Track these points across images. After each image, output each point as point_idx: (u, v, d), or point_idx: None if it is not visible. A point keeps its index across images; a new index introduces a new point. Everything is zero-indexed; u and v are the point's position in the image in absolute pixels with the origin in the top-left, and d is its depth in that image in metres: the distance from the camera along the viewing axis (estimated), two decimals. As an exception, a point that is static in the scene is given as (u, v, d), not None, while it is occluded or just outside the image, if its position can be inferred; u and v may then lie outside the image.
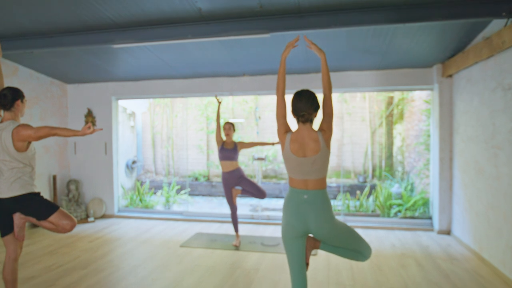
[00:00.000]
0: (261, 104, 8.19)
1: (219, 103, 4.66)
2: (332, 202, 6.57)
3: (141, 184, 7.73)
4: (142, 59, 4.95)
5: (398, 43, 4.14)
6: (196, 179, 8.61)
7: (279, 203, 7.68)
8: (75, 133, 2.66)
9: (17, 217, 2.83)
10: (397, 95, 7.61)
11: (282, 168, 8.30)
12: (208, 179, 8.67)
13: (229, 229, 5.29)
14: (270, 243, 4.61)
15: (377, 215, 5.61)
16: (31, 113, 5.45)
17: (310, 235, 2.30)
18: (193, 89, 5.71)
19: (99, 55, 4.80)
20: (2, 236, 2.80)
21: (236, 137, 8.31)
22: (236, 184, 4.55)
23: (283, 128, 2.30)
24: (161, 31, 3.82)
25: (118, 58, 4.95)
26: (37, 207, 2.77)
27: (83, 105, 6.15)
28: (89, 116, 6.11)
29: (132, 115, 8.44)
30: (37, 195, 2.83)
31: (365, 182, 7.81)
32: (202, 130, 8.48)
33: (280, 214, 6.64)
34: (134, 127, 8.51)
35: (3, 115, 2.83)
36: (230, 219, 5.49)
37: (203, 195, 8.31)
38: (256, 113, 6.90)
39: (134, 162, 8.23)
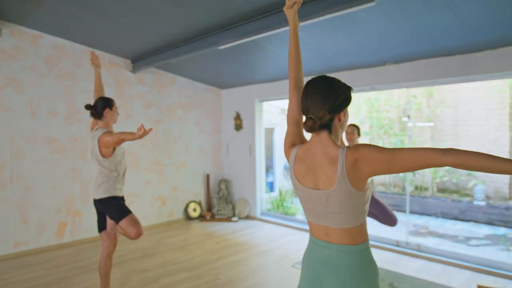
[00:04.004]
0: (436, 98, 6.46)
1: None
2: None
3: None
4: (270, 59, 4.67)
5: None
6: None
7: (456, 227, 5.86)
8: (133, 136, 2.63)
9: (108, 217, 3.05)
10: None
11: (464, 181, 6.30)
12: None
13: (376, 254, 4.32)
14: (404, 286, 3.44)
15: None
16: (187, 118, 6.09)
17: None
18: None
19: (236, 59, 4.80)
20: (99, 232, 3.08)
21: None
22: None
23: (290, 139, 1.49)
24: (258, 24, 3.41)
25: (251, 60, 4.83)
26: (112, 210, 2.90)
27: (233, 109, 6.44)
28: (237, 119, 6.34)
29: (291, 116, 8.33)
30: (116, 199, 2.96)
31: None
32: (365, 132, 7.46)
33: (449, 243, 5.02)
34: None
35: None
36: (380, 244, 4.53)
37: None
38: (406, 111, 5.37)
39: (291, 164, 8.09)
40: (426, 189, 6.63)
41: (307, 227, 5.39)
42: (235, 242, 4.92)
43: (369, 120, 7.14)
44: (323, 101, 1.31)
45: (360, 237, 1.33)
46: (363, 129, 7.26)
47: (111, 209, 2.91)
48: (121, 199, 3.02)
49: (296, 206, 6.46)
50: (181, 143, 6.02)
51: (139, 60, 5.14)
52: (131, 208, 5.32)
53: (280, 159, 8.01)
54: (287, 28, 3.21)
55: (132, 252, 4.45)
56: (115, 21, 3.91)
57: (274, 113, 7.98)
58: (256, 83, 5.96)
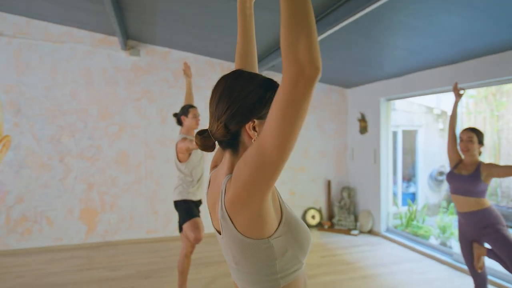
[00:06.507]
0: None
1: (459, 96, 2.91)
2: None
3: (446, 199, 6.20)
4: (392, 52, 3.98)
5: None
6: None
7: None
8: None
9: None
10: None
11: None
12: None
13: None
14: None
15: None
16: (307, 120, 5.84)
17: None
18: (465, 77, 3.85)
19: (350, 54, 4.35)
20: (179, 232, 3.28)
21: None
22: (479, 237, 2.67)
23: (214, 158, 1.20)
24: (343, 11, 2.92)
25: (369, 54, 4.24)
26: (181, 212, 3.03)
27: (357, 109, 5.82)
28: (362, 121, 5.69)
29: (442, 115, 6.91)
30: (187, 202, 3.07)
31: None
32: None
33: None
34: (444, 130, 6.94)
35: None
36: None
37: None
38: None
39: (441, 173, 6.74)
40: None
41: (439, 255, 4.36)
42: (342, 259, 4.42)
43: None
44: (218, 106, 0.94)
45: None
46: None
47: (181, 211, 3.05)
48: (193, 203, 3.12)
49: (429, 226, 5.30)
50: (300, 146, 5.83)
51: (253, 65, 5.24)
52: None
53: (425, 166, 6.76)
54: (379, 3, 2.54)
55: (235, 253, 4.57)
56: (225, 34, 4.13)
57: (417, 113, 6.78)
58: (381, 80, 5.20)
